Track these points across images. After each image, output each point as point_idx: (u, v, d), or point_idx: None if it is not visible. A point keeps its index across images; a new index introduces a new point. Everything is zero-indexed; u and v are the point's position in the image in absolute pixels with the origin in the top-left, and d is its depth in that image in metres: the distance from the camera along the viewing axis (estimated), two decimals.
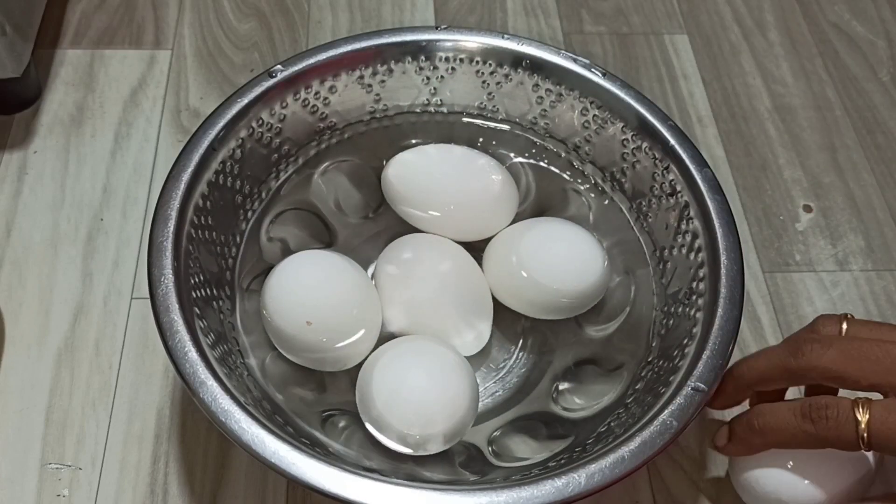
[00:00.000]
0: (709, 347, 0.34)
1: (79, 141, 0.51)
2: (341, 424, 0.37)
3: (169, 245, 0.35)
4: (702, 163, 0.39)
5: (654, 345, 0.38)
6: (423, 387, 0.35)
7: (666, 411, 0.32)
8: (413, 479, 0.32)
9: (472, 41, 0.43)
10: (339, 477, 0.30)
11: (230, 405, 0.31)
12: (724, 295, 0.35)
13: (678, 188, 0.39)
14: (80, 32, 0.56)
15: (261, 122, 0.40)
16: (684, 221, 0.39)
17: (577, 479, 0.31)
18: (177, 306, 0.34)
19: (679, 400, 0.33)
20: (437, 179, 0.41)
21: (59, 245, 0.47)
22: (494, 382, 0.41)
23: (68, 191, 0.49)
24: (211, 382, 0.32)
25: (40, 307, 0.44)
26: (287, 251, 0.41)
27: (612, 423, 0.36)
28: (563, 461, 0.34)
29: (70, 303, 0.44)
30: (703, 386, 0.33)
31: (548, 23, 0.59)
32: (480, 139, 0.45)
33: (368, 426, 0.36)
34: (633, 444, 0.32)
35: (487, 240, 0.42)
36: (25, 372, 0.42)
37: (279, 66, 0.41)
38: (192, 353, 0.33)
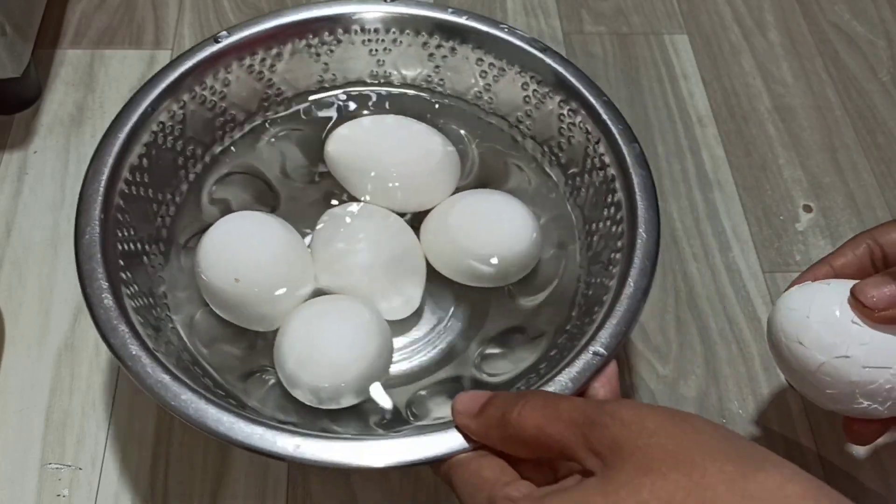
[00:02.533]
0: (614, 315, 0.35)
1: (79, 141, 0.51)
2: (270, 383, 0.38)
3: (99, 198, 0.37)
4: (631, 138, 0.40)
5: (573, 314, 0.39)
6: (332, 341, 0.36)
7: (563, 373, 0.33)
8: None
9: (420, 14, 0.43)
10: (229, 420, 0.32)
11: (139, 350, 0.33)
12: (636, 265, 0.36)
13: (607, 161, 0.40)
14: (80, 32, 0.56)
15: (204, 85, 0.41)
16: (610, 194, 0.40)
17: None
18: (99, 256, 0.35)
19: (578, 363, 0.33)
20: (376, 154, 0.42)
21: (59, 245, 0.46)
22: (424, 345, 0.41)
23: (68, 191, 0.49)
24: (122, 328, 0.33)
25: (40, 307, 0.44)
26: (228, 212, 0.42)
27: (522, 386, 0.37)
28: None
29: (70, 303, 0.44)
30: (602, 351, 0.34)
31: (548, 23, 0.59)
32: (428, 113, 0.45)
33: (283, 381, 0.37)
34: None
35: (428, 212, 0.42)
36: (25, 372, 0.42)
37: (224, 32, 0.42)
38: (109, 300, 0.34)
